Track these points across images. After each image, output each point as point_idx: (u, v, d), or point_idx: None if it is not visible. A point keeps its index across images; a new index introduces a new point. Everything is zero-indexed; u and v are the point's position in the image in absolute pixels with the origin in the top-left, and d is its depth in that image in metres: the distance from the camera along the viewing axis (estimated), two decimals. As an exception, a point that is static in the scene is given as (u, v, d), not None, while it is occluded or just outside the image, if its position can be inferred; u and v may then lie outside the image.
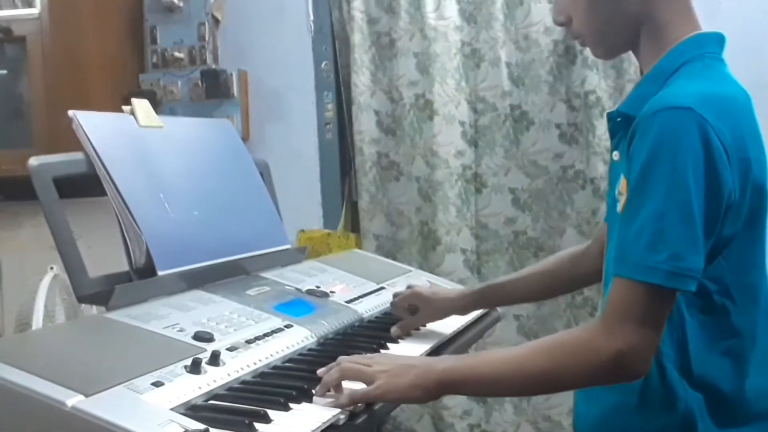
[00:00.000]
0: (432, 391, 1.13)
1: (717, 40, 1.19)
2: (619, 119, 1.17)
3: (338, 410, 1.07)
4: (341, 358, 1.18)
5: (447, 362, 1.17)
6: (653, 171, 1.03)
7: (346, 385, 1.13)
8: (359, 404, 1.11)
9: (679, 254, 1.01)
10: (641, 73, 1.22)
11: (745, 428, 1.15)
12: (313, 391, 1.12)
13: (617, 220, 1.12)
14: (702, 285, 1.07)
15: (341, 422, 1.06)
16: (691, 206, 1.01)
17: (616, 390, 1.15)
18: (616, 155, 1.18)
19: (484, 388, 1.18)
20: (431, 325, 1.57)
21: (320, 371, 1.16)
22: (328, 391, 1.12)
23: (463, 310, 1.58)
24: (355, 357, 1.20)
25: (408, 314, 1.55)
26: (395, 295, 1.61)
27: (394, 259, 2.63)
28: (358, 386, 1.13)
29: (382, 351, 1.38)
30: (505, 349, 1.17)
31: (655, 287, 1.02)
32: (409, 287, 1.63)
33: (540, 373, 1.10)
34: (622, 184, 1.12)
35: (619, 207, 1.12)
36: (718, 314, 1.11)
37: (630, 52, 1.23)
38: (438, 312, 1.55)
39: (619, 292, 1.05)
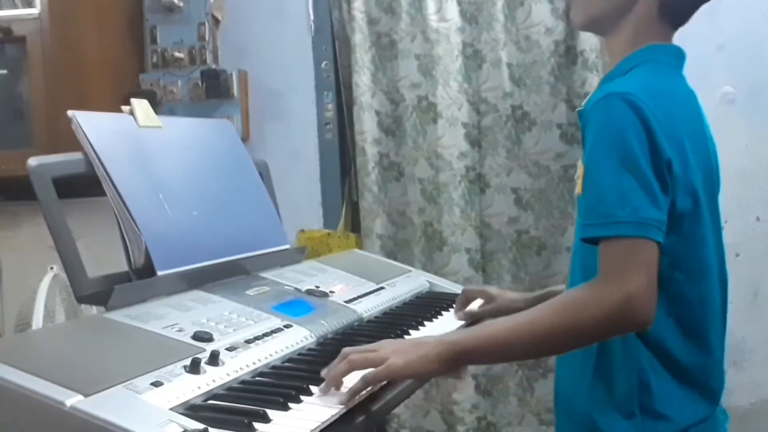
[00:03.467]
0: (446, 361, 1.15)
1: (673, 53, 1.31)
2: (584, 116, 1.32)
3: (338, 410, 1.07)
4: (346, 349, 1.17)
5: (457, 333, 1.22)
6: (603, 147, 1.17)
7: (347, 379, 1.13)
8: (373, 386, 1.12)
9: (639, 207, 1.13)
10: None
11: (691, 389, 1.25)
12: (318, 389, 1.11)
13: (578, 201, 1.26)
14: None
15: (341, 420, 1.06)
16: (642, 169, 1.14)
17: (579, 360, 1.26)
18: None
19: (501, 351, 1.20)
20: (432, 327, 1.57)
21: (324, 373, 1.15)
22: (335, 388, 1.12)
23: None
24: (359, 347, 1.20)
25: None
26: (465, 290, 1.77)
27: (396, 259, 2.63)
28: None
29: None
30: (514, 315, 1.21)
31: (627, 239, 1.13)
32: (465, 290, 1.77)
33: (556, 330, 1.15)
34: (579, 168, 1.24)
35: (578, 189, 1.24)
36: (669, 283, 1.21)
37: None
38: (501, 310, 1.67)
39: (603, 252, 1.15)
